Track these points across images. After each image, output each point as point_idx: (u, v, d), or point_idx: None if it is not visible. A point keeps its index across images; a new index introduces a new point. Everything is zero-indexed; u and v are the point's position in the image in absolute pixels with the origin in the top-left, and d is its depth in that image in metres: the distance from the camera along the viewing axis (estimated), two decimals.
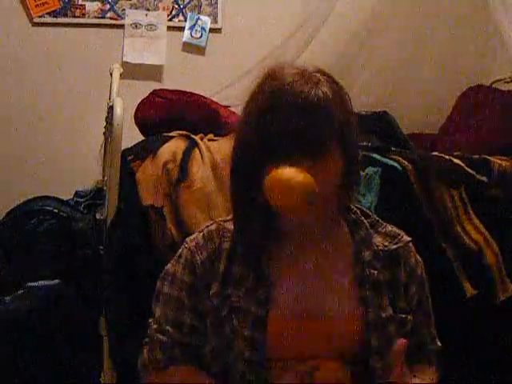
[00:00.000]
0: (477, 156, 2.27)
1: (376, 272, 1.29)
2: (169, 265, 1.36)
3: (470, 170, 2.15)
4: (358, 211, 1.37)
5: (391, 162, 2.10)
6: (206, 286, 1.29)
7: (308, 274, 1.28)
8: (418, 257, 1.38)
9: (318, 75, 1.24)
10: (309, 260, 1.29)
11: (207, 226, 1.35)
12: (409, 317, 1.30)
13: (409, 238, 1.38)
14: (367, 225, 1.34)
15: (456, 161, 2.18)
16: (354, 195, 1.34)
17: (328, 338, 1.24)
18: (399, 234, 1.37)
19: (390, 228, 1.37)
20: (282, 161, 1.18)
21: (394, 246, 1.33)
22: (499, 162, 2.20)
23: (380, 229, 1.36)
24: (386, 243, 1.33)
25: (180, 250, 1.35)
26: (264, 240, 1.28)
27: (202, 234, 1.34)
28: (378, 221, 1.38)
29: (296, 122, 1.17)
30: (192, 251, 1.31)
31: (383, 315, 1.26)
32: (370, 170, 2.06)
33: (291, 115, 1.18)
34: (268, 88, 1.22)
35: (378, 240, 1.33)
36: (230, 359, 1.25)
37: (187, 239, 1.36)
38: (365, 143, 2.20)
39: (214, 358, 1.27)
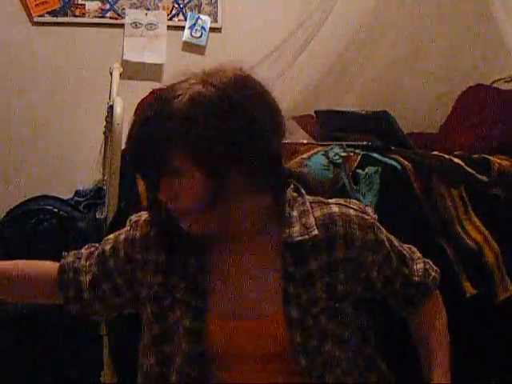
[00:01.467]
0: (477, 155, 2.27)
1: (306, 263, 1.24)
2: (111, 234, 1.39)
3: (470, 170, 2.15)
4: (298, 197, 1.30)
5: (391, 162, 2.10)
6: (142, 265, 1.30)
7: (240, 270, 1.27)
8: (359, 221, 1.29)
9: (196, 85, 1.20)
10: (242, 256, 1.27)
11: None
12: (343, 305, 1.27)
13: (333, 211, 1.28)
14: (302, 209, 1.28)
15: (456, 160, 2.18)
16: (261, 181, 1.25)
17: (254, 338, 1.23)
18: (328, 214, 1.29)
19: (324, 211, 1.29)
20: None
21: (316, 232, 1.25)
22: (499, 161, 2.20)
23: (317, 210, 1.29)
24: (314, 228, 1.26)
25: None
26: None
27: (145, 215, 1.35)
28: (319, 202, 1.31)
29: (135, 147, 1.20)
30: (133, 224, 1.35)
31: (313, 310, 1.23)
32: (369, 169, 2.06)
33: (132, 139, 1.20)
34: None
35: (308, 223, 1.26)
36: (169, 350, 1.26)
37: (132, 216, 1.38)
38: (365, 143, 2.20)
39: (153, 346, 1.29)
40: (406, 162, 2.10)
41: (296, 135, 2.81)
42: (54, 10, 3.23)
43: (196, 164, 1.15)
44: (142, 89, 2.67)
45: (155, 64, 3.29)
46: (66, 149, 3.20)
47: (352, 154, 2.11)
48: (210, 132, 1.14)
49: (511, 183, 2.15)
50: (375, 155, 2.12)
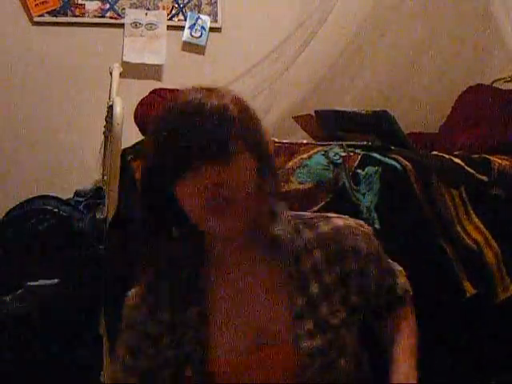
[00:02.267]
0: (477, 155, 2.27)
1: (320, 277, 1.24)
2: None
3: (470, 170, 2.15)
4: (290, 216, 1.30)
5: (391, 162, 2.10)
6: (153, 342, 1.26)
7: (244, 300, 1.25)
8: (362, 233, 1.31)
9: (224, 94, 1.21)
10: (245, 283, 1.25)
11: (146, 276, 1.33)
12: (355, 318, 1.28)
13: (337, 224, 1.30)
14: (300, 226, 1.28)
15: (456, 160, 2.18)
16: (277, 202, 1.28)
17: (265, 369, 1.22)
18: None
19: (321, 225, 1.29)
20: (186, 172, 1.15)
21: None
22: (499, 161, 2.20)
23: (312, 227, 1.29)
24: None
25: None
26: (195, 266, 1.26)
27: (136, 289, 1.32)
28: (311, 218, 1.32)
29: (188, 128, 1.15)
30: (132, 309, 1.30)
31: (332, 322, 1.23)
32: (369, 169, 2.06)
33: (184, 122, 1.16)
34: (165, 110, 1.21)
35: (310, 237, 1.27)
36: None
37: (126, 297, 1.33)
38: (365, 143, 2.20)
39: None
40: (406, 162, 2.10)
41: (296, 135, 2.81)
42: (54, 10, 3.23)
43: (248, 148, 1.18)
44: (142, 89, 2.68)
45: (155, 64, 3.29)
46: (66, 149, 3.20)
47: (352, 154, 2.11)
48: (255, 122, 1.22)
49: (511, 183, 2.15)
50: (375, 155, 2.12)
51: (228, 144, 1.15)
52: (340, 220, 1.31)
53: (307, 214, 1.35)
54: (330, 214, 1.33)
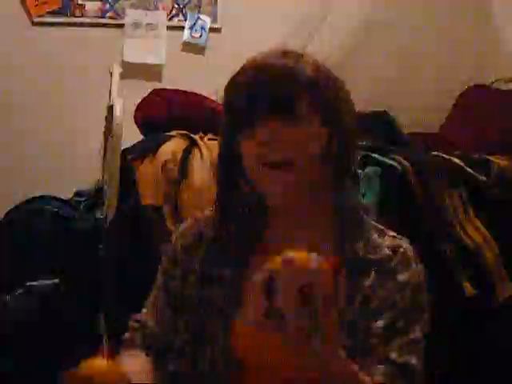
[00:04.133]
0: (476, 156, 2.27)
1: (362, 279, 1.16)
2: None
3: (469, 170, 2.15)
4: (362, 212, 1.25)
5: (391, 162, 2.10)
6: (184, 275, 1.24)
7: None
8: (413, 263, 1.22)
9: (304, 56, 1.20)
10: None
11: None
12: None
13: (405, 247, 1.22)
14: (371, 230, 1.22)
15: (456, 160, 2.18)
16: (347, 188, 1.24)
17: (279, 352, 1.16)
18: (399, 246, 1.22)
19: (391, 237, 1.23)
20: (251, 124, 1.14)
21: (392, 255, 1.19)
22: (499, 161, 2.21)
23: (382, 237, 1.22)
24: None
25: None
26: (248, 228, 1.23)
27: (190, 220, 1.30)
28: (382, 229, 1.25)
29: (258, 81, 1.15)
30: (177, 237, 1.28)
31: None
32: (369, 169, 2.06)
33: (253, 76, 1.17)
34: (242, 66, 1.22)
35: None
36: (199, 357, 1.20)
37: (178, 225, 1.33)
38: (365, 143, 2.20)
39: (186, 354, 1.22)
40: (406, 163, 2.10)
41: None
42: (54, 10, 3.24)
43: (320, 113, 1.16)
44: (142, 89, 2.67)
45: (155, 64, 3.29)
46: (66, 149, 3.20)
47: None
48: (335, 88, 1.20)
49: (511, 183, 2.15)
50: (375, 155, 2.12)
51: (294, 101, 1.14)
52: (404, 242, 1.23)
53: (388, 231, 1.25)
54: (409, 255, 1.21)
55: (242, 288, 1.18)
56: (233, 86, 1.20)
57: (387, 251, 1.20)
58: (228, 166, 1.22)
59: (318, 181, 1.19)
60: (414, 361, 1.14)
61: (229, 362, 1.16)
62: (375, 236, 1.22)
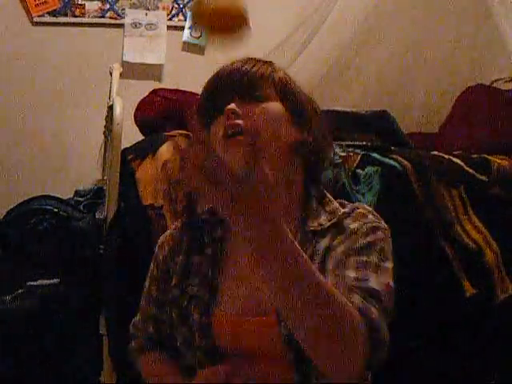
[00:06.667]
0: (476, 155, 2.27)
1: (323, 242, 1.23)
2: None
3: (469, 170, 2.15)
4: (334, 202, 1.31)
5: (391, 162, 2.10)
6: (167, 279, 1.33)
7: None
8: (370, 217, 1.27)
9: (272, 64, 1.37)
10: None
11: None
12: None
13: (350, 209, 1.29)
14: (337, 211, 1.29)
15: (456, 160, 2.18)
16: (317, 181, 1.33)
17: (254, 336, 1.21)
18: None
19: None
20: (221, 111, 1.26)
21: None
22: (499, 161, 2.20)
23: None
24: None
25: None
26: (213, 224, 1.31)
27: (170, 230, 1.40)
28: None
29: (229, 75, 1.29)
30: (158, 247, 1.38)
31: None
32: (369, 169, 2.06)
33: (226, 75, 1.30)
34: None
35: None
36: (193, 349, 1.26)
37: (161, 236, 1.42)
38: (365, 143, 2.20)
39: (185, 349, 1.28)
40: (406, 162, 2.10)
41: None
42: (54, 10, 3.24)
43: (282, 100, 1.29)
44: (142, 89, 2.67)
45: (155, 64, 3.29)
46: (66, 149, 3.20)
47: (352, 154, 2.11)
48: (298, 90, 1.37)
49: (511, 183, 2.15)
50: (375, 155, 2.12)
51: (262, 89, 1.26)
52: (361, 208, 1.30)
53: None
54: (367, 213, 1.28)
55: (220, 279, 1.27)
56: (204, 88, 1.34)
57: (345, 211, 1.28)
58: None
59: (288, 169, 1.26)
60: (372, 279, 1.15)
61: (211, 349, 1.22)
62: (336, 205, 1.31)
